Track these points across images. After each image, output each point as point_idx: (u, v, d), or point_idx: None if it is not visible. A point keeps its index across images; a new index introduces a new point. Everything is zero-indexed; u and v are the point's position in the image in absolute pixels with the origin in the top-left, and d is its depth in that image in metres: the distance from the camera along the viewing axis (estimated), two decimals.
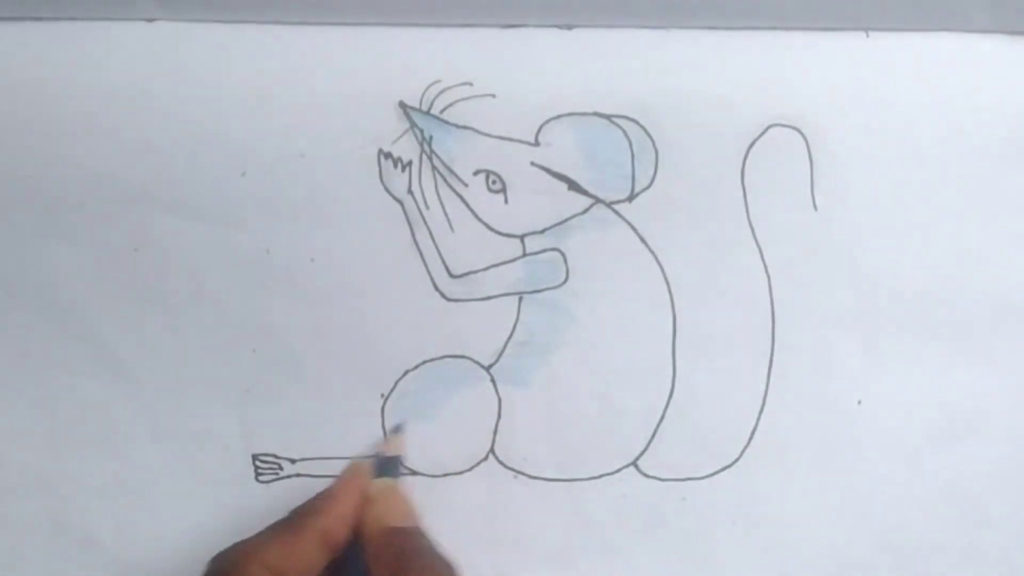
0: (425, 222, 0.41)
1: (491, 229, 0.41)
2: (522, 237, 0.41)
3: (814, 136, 0.41)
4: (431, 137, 0.40)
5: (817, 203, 0.41)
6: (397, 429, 0.41)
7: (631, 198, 0.41)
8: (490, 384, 0.41)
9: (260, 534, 0.36)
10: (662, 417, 0.41)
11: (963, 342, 0.42)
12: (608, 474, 0.42)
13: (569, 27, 0.40)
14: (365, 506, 0.37)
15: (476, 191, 0.41)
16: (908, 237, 0.41)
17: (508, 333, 0.41)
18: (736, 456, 0.42)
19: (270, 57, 0.40)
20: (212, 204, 0.40)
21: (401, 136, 0.40)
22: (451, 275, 0.41)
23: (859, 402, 0.42)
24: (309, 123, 0.40)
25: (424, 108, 0.40)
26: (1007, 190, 0.42)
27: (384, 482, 0.39)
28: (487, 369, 0.41)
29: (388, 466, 0.40)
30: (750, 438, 0.42)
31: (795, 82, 0.41)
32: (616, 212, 0.41)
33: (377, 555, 0.36)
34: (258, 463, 0.42)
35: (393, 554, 0.36)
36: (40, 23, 0.40)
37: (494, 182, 0.40)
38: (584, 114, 0.40)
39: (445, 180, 0.40)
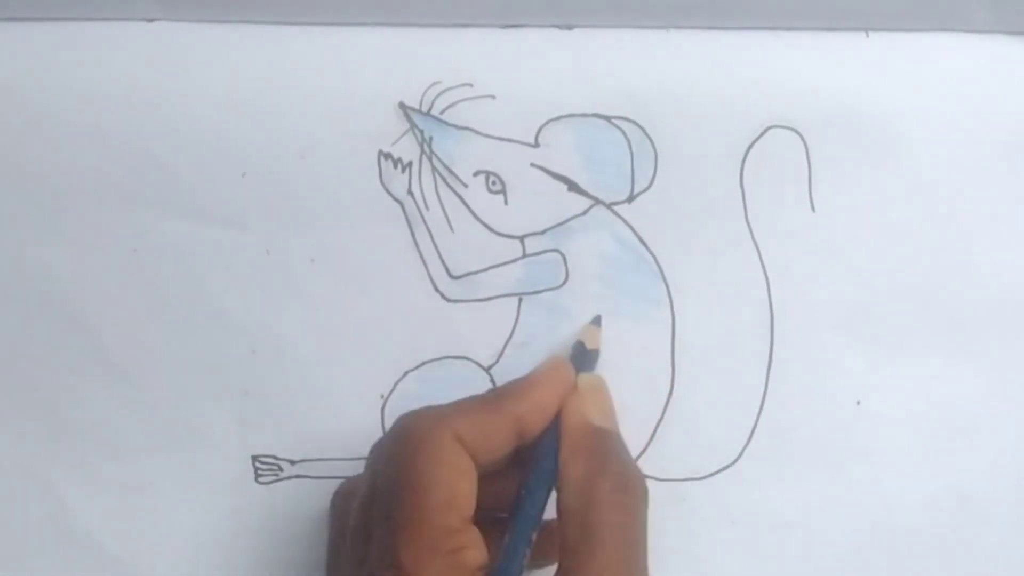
0: (425, 223, 0.41)
1: (491, 230, 0.41)
2: (522, 238, 0.41)
3: (813, 137, 0.41)
4: (431, 138, 0.40)
5: (816, 204, 0.41)
6: (596, 321, 0.41)
7: (631, 199, 0.41)
8: (490, 385, 0.41)
9: (453, 404, 0.35)
10: (661, 417, 0.41)
11: (963, 342, 0.42)
12: None
13: (569, 27, 0.40)
14: (568, 398, 0.36)
15: (476, 192, 0.41)
16: (907, 237, 0.41)
17: (508, 334, 0.41)
18: (735, 456, 0.42)
19: (270, 57, 0.40)
20: (212, 205, 0.40)
21: (401, 137, 0.40)
22: (451, 276, 0.41)
23: (858, 402, 0.42)
24: (309, 124, 0.40)
25: (424, 109, 0.40)
26: (1007, 190, 0.42)
27: (592, 377, 0.38)
28: (487, 370, 0.41)
29: (586, 360, 0.39)
30: (749, 438, 0.42)
31: (795, 83, 0.40)
32: (616, 213, 0.41)
33: (574, 450, 0.35)
34: (258, 464, 0.42)
35: (590, 452, 0.35)
36: (40, 23, 0.40)
37: (494, 183, 0.40)
38: (584, 115, 0.40)
39: (445, 181, 0.40)
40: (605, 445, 0.36)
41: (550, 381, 0.37)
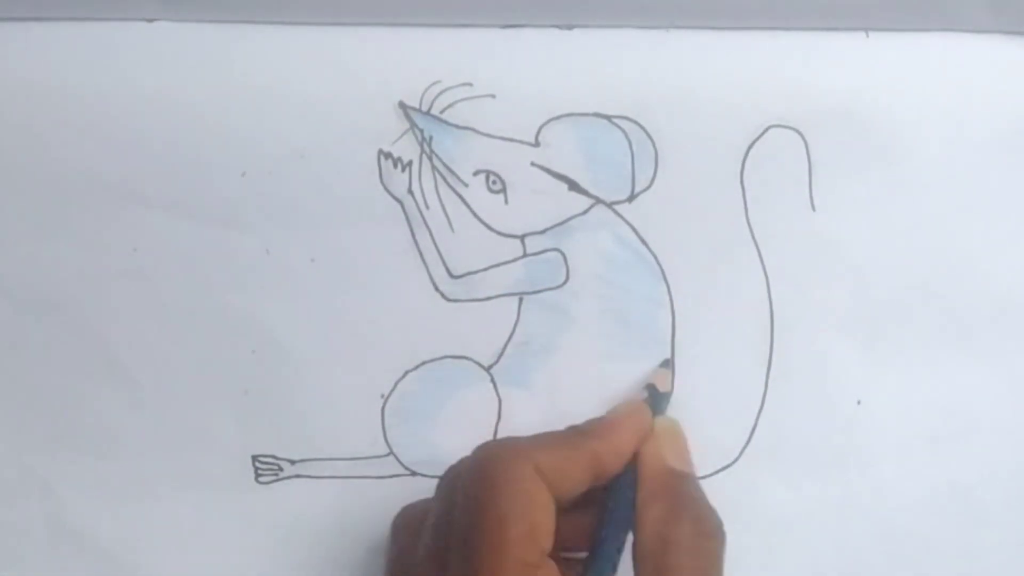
0: (425, 222, 0.41)
1: (491, 229, 0.41)
2: (522, 237, 0.41)
3: (813, 137, 0.41)
4: (431, 137, 0.40)
5: (816, 204, 0.41)
6: (666, 364, 0.41)
7: (631, 198, 0.41)
8: (490, 384, 0.41)
9: (533, 437, 0.35)
10: None
11: (963, 342, 0.42)
12: None
13: (569, 27, 0.40)
14: (645, 441, 0.37)
15: (476, 191, 0.41)
16: (907, 237, 0.41)
17: (508, 333, 0.41)
18: (735, 456, 0.42)
19: (270, 57, 0.40)
20: (212, 204, 0.40)
21: (401, 136, 0.40)
22: (451, 275, 0.41)
23: (858, 402, 0.42)
24: (309, 123, 0.40)
25: (424, 108, 0.40)
26: (1007, 190, 0.42)
27: (669, 421, 0.39)
28: (487, 370, 0.41)
29: (659, 402, 0.39)
30: (749, 438, 0.42)
31: (795, 83, 0.40)
32: (616, 212, 0.41)
33: (653, 492, 0.35)
34: (258, 464, 0.42)
35: (668, 495, 0.35)
36: (40, 23, 0.40)
37: (494, 182, 0.40)
38: (584, 115, 0.40)
39: (445, 180, 0.41)
40: (683, 488, 0.36)
41: (629, 423, 0.37)
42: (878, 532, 0.42)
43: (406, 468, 0.42)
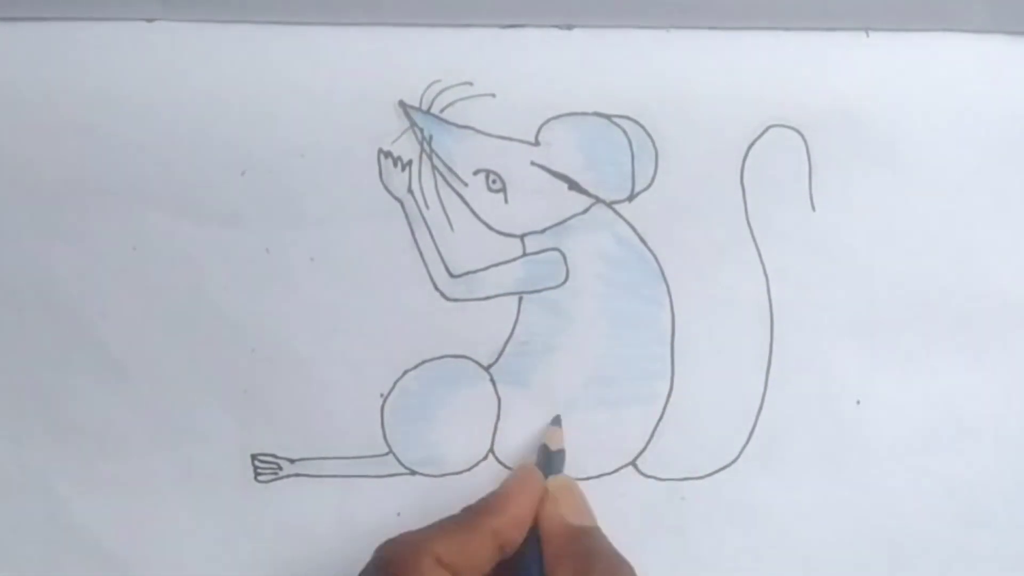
0: (425, 222, 0.41)
1: (491, 229, 0.41)
2: (522, 237, 0.41)
3: (813, 137, 0.41)
4: (431, 136, 0.40)
5: (816, 203, 0.41)
6: (556, 421, 0.41)
7: (631, 198, 0.41)
8: (490, 384, 0.41)
9: (430, 528, 0.36)
10: (661, 417, 0.41)
11: (963, 342, 0.42)
12: (607, 474, 0.42)
13: (569, 27, 0.40)
14: (542, 504, 0.37)
15: (476, 191, 0.41)
16: (907, 237, 0.41)
17: (508, 333, 0.41)
18: (735, 456, 0.42)
19: (270, 57, 0.40)
20: (212, 203, 0.40)
21: (401, 135, 0.40)
22: (451, 275, 0.41)
23: (858, 402, 0.42)
24: (309, 122, 0.40)
25: (424, 107, 0.40)
26: (1007, 190, 0.42)
27: (561, 479, 0.39)
28: (487, 369, 0.41)
29: (554, 462, 0.40)
30: (749, 438, 0.42)
31: (795, 82, 0.41)
32: (616, 212, 0.41)
33: (558, 555, 0.35)
34: (257, 463, 0.42)
35: (575, 554, 0.35)
36: (40, 23, 0.40)
37: (494, 182, 0.40)
38: (584, 114, 0.40)
39: (445, 180, 0.41)
40: (588, 544, 0.36)
41: (523, 490, 0.37)
42: (877, 532, 0.42)
43: (405, 467, 0.42)
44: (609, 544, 0.36)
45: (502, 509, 0.36)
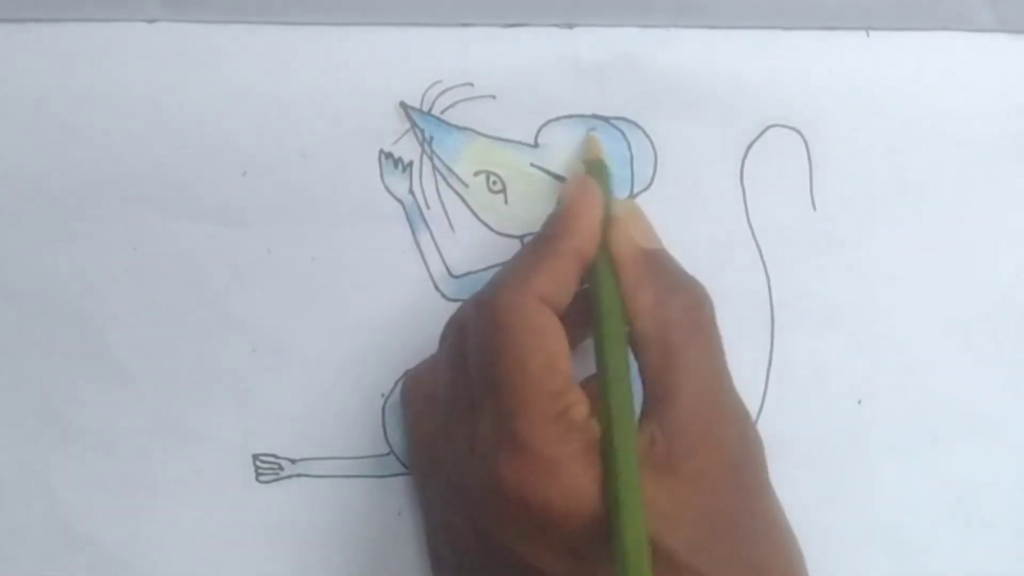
0: (425, 222, 0.41)
1: (492, 230, 0.41)
2: (522, 238, 0.41)
3: (813, 136, 0.41)
4: (432, 138, 0.40)
5: (816, 203, 0.41)
6: (591, 132, 0.40)
7: (630, 199, 0.41)
8: None
9: (519, 265, 0.35)
10: None
11: (964, 341, 0.42)
12: None
13: (569, 26, 0.40)
14: (612, 229, 0.36)
15: (476, 191, 0.41)
16: (907, 237, 0.41)
17: None
18: None
19: (271, 57, 0.40)
20: (212, 204, 0.40)
21: (402, 136, 0.40)
22: (452, 275, 0.41)
23: (859, 402, 0.42)
24: (310, 123, 0.40)
25: (425, 108, 0.40)
26: (1007, 190, 0.42)
27: (627, 203, 0.38)
28: None
29: (601, 171, 0.38)
30: None
31: (795, 82, 0.41)
32: None
33: (638, 279, 0.35)
34: (258, 463, 0.42)
35: (653, 276, 0.35)
36: (40, 24, 0.40)
37: (494, 183, 0.41)
38: (583, 116, 0.40)
39: (446, 180, 0.41)
40: (664, 265, 0.36)
41: (588, 203, 0.36)
42: (879, 532, 0.42)
43: (406, 467, 0.41)
44: (680, 266, 0.37)
45: (576, 228, 0.35)
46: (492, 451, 0.33)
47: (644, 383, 0.34)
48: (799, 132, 0.41)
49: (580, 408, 0.33)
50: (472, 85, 0.40)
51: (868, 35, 0.41)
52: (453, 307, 0.41)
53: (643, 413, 0.34)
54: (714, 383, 0.34)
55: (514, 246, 0.41)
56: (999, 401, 0.42)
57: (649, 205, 0.40)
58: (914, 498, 0.42)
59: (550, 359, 0.33)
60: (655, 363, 0.34)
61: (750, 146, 0.41)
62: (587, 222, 0.36)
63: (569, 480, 0.32)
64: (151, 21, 0.40)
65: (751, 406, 0.41)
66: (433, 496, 0.38)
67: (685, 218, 0.41)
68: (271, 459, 0.42)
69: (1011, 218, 0.42)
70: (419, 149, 0.40)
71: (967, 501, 0.42)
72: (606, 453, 0.32)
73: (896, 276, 0.41)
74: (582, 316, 0.35)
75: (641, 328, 0.34)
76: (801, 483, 0.42)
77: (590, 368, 0.35)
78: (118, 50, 0.40)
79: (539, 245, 0.36)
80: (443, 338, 0.37)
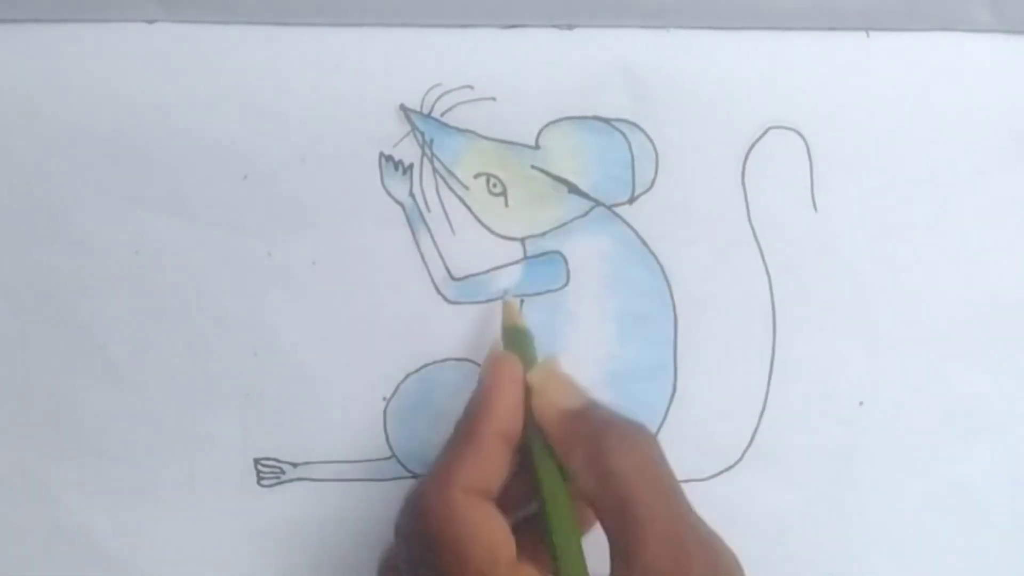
0: (426, 225, 0.41)
1: (492, 232, 0.41)
2: (523, 240, 0.41)
3: (814, 137, 0.41)
4: (432, 140, 0.40)
5: (817, 204, 0.41)
6: (506, 293, 0.40)
7: (631, 200, 0.41)
8: None
9: (444, 458, 0.34)
10: (663, 419, 0.41)
11: (965, 342, 0.42)
12: None
13: (570, 27, 0.40)
14: (530, 398, 0.35)
15: (477, 194, 0.41)
16: (908, 237, 0.41)
17: None
18: (737, 457, 0.42)
19: (270, 58, 0.40)
20: (213, 207, 0.40)
21: (402, 139, 0.40)
22: (452, 278, 0.41)
23: (860, 403, 0.42)
24: (310, 126, 0.40)
25: (425, 111, 0.40)
26: (1007, 190, 0.42)
27: (540, 369, 0.37)
28: None
29: (520, 339, 0.38)
30: (751, 439, 0.42)
31: (795, 83, 0.41)
32: (617, 215, 0.41)
33: (567, 444, 0.34)
34: (260, 467, 0.42)
35: (585, 438, 0.34)
36: (40, 24, 0.40)
37: (495, 185, 0.40)
38: (584, 118, 0.40)
39: (446, 183, 0.41)
40: (590, 422, 0.35)
41: (504, 378, 0.36)
42: (880, 533, 0.42)
43: (408, 471, 0.42)
44: (611, 413, 0.35)
45: (495, 410, 0.35)
46: None
47: (609, 542, 0.33)
48: (800, 133, 0.41)
49: None
50: (472, 87, 0.40)
51: (868, 35, 0.41)
52: (454, 310, 0.41)
53: (611, 573, 0.33)
54: (674, 526, 0.33)
55: (515, 248, 0.41)
56: (999, 401, 0.42)
57: (650, 207, 0.41)
58: (916, 499, 0.42)
59: (488, 549, 0.32)
60: (611, 521, 0.33)
61: (751, 147, 0.41)
62: (506, 401, 0.35)
63: None
64: (150, 21, 0.40)
65: (753, 407, 0.42)
66: None
67: (686, 219, 0.41)
68: (272, 463, 0.42)
69: (1011, 218, 0.42)
70: (419, 152, 0.40)
71: (969, 502, 0.42)
72: None
73: (898, 276, 0.42)
74: (527, 487, 0.35)
75: (585, 489, 0.33)
76: (803, 484, 0.42)
77: None
78: (118, 50, 0.40)
79: (461, 433, 0.35)
80: (396, 527, 0.35)
